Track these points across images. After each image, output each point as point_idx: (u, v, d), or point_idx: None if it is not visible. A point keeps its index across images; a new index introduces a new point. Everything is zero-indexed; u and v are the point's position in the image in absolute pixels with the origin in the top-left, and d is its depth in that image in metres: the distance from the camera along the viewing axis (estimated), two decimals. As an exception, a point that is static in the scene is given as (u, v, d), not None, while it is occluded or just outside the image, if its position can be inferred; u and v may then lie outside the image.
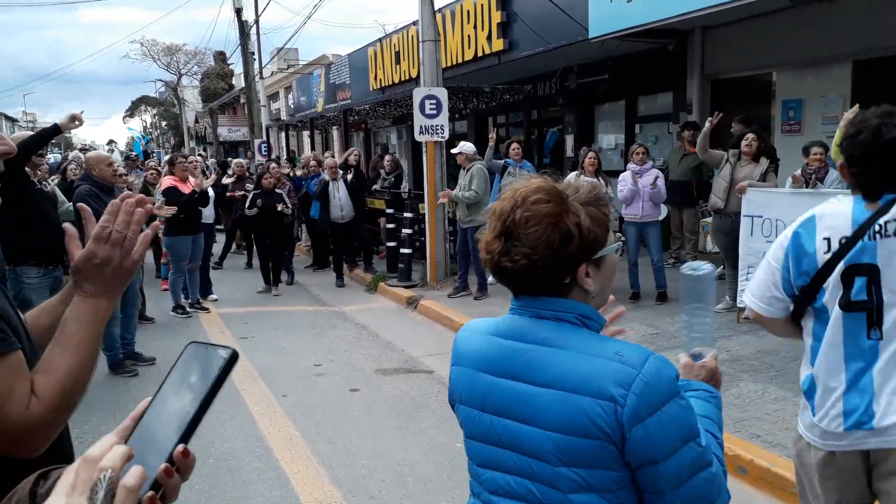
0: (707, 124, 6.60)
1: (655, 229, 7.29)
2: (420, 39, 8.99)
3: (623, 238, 1.58)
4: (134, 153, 19.18)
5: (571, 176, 7.93)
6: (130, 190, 8.74)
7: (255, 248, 10.08)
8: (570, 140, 12.12)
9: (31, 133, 5.32)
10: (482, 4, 10.57)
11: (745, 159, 6.42)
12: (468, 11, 10.98)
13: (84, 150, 15.26)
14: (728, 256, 6.63)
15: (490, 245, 1.29)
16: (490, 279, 8.50)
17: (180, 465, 0.79)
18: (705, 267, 1.52)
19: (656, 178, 7.21)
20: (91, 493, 0.70)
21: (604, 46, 8.91)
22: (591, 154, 7.65)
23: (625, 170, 7.56)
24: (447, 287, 8.63)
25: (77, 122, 5.04)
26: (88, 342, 1.20)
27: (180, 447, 0.79)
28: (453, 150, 8.32)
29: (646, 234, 7.20)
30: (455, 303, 7.92)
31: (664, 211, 7.49)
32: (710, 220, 7.61)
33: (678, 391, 1.22)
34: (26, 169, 4.94)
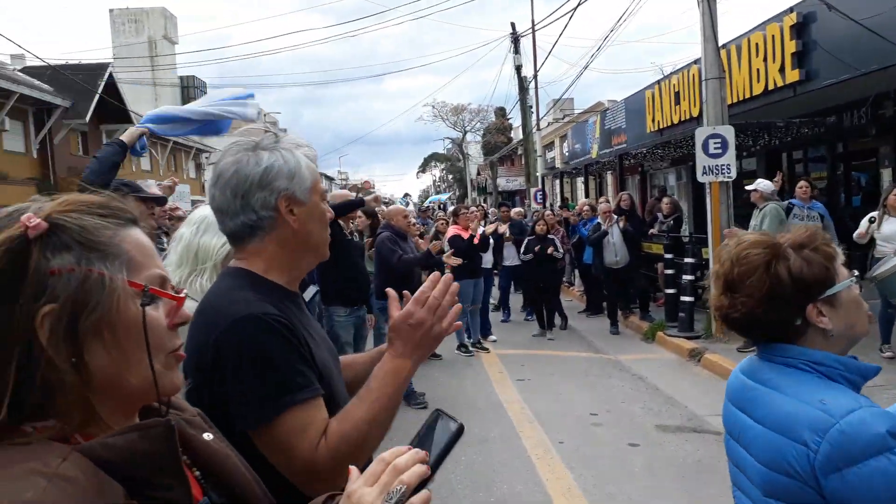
0: None
1: None
2: (703, 78, 8.59)
3: (856, 273, 1.39)
4: (426, 204, 21.29)
5: (871, 216, 6.81)
6: (422, 237, 9.63)
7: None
8: (886, 175, 10.48)
9: (342, 192, 6.20)
10: (773, 36, 9.75)
11: None
12: (756, 45, 10.21)
13: (386, 203, 17.27)
14: None
15: (718, 301, 1.44)
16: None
17: None
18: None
19: None
20: (386, 496, 0.80)
21: (932, 65, 7.60)
22: None
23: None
24: (736, 340, 7.90)
25: (377, 204, 5.90)
26: (386, 400, 1.29)
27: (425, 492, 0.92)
28: (748, 187, 7.76)
29: None
30: (745, 358, 7.21)
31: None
32: None
33: (889, 447, 1.17)
34: (339, 222, 5.71)
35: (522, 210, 13.28)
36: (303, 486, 1.24)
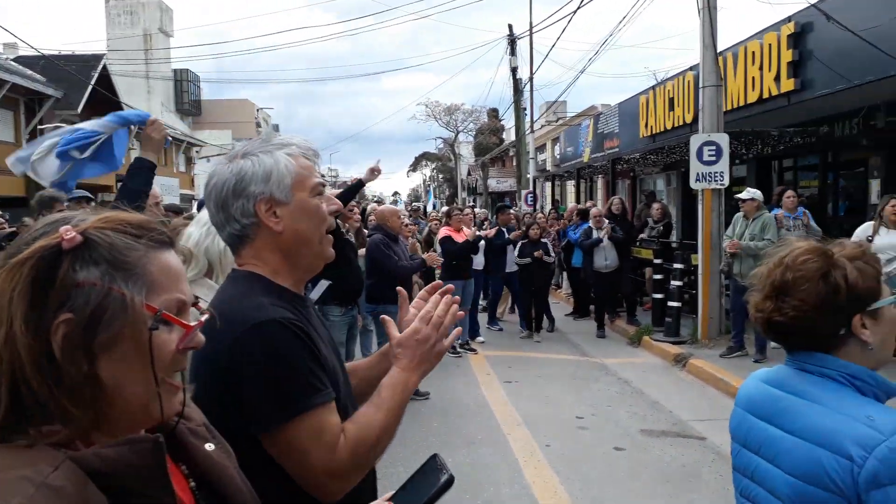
0: None
1: None
2: (700, 85, 8.63)
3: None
4: (420, 204, 21.23)
5: (865, 227, 6.82)
6: (414, 238, 9.61)
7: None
8: (874, 185, 10.56)
9: (340, 189, 6.11)
10: (770, 45, 9.80)
11: None
12: (753, 53, 10.25)
13: (378, 202, 17.21)
14: None
15: (761, 305, 1.43)
16: (773, 344, 7.66)
17: None
18: None
19: None
20: None
21: (923, 79, 7.67)
22: (893, 202, 6.54)
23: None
24: (720, 346, 7.97)
25: (376, 173, 5.67)
26: (396, 410, 1.33)
27: None
28: (741, 196, 7.75)
29: None
30: (730, 364, 7.25)
31: None
32: None
33: None
34: (338, 221, 5.66)
35: (513, 213, 13.27)
36: (318, 489, 1.25)
